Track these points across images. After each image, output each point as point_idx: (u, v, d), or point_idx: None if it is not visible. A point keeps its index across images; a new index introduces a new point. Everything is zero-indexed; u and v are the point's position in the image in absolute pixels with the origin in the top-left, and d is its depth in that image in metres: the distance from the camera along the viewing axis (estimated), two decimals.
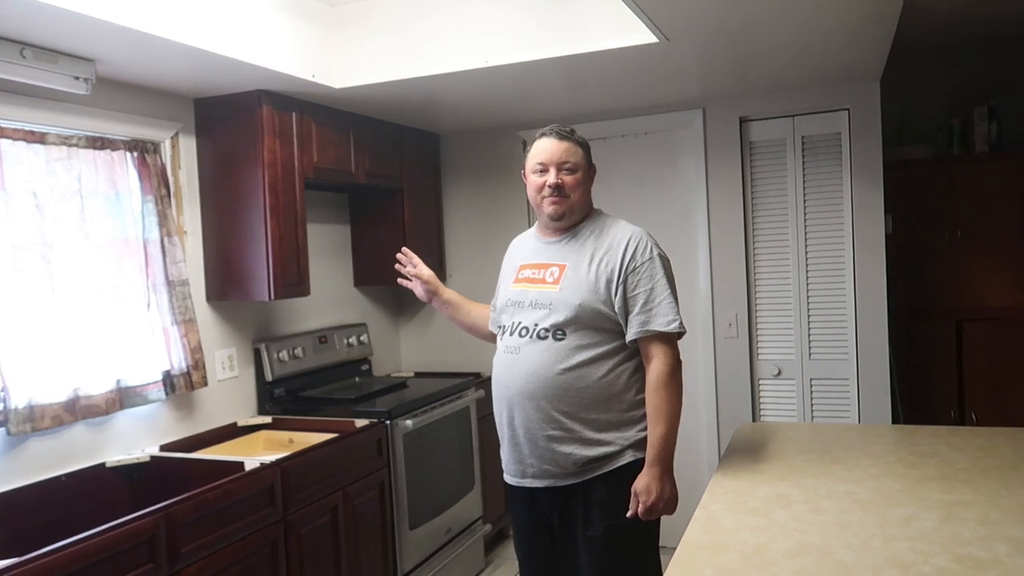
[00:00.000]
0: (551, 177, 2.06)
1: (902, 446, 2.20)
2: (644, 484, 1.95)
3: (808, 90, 3.53)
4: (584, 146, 2.12)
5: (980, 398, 3.76)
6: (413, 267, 2.38)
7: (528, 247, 2.22)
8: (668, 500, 1.97)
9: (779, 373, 3.67)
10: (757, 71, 3.19)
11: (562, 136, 2.08)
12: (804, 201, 3.59)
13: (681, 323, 2.01)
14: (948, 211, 3.77)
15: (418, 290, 2.39)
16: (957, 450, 2.09)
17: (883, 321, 3.47)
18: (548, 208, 2.08)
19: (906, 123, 3.94)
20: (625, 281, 2.00)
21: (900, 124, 3.92)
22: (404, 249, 2.41)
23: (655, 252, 2.05)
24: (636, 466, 2.00)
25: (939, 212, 3.78)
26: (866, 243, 3.48)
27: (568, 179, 2.06)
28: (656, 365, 1.99)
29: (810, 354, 3.61)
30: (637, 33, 2.56)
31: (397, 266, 2.40)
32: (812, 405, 3.63)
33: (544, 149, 2.08)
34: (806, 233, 3.60)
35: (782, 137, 3.62)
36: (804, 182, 3.59)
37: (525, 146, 4.03)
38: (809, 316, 3.61)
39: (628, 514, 1.96)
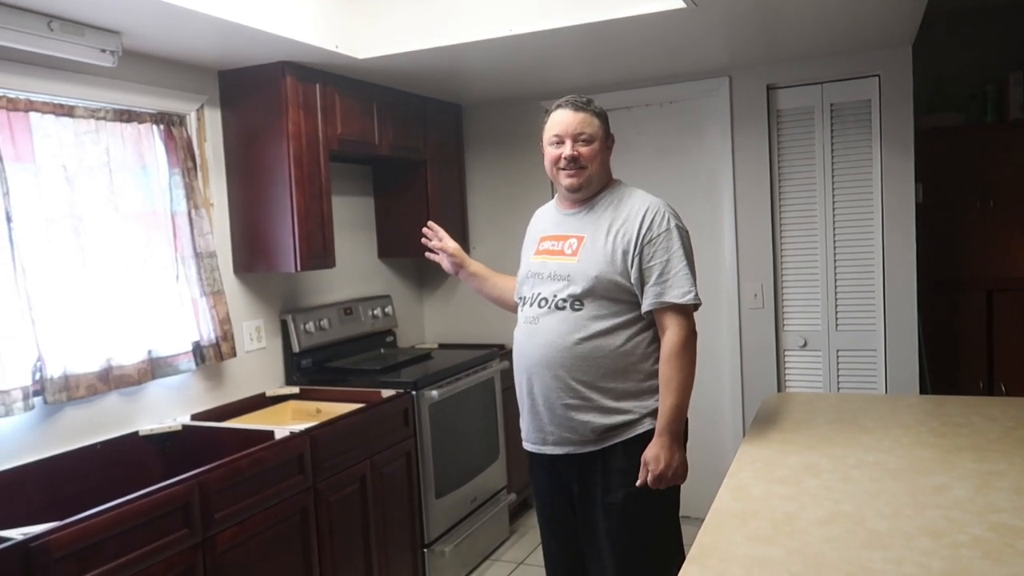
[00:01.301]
0: (567, 149, 2.05)
1: (932, 416, 2.18)
2: (653, 453, 1.96)
3: (837, 56, 3.45)
4: (601, 116, 2.10)
5: (1009, 369, 3.71)
6: (439, 240, 2.39)
7: (549, 218, 2.23)
8: (676, 469, 1.97)
9: (805, 344, 3.64)
10: (785, 37, 3.12)
11: (578, 107, 2.07)
12: (832, 170, 3.54)
13: (696, 295, 2.00)
14: (980, 180, 3.70)
15: (444, 263, 2.41)
16: (989, 420, 2.07)
17: (912, 291, 3.43)
18: (565, 180, 2.08)
19: (939, 90, 3.86)
20: (641, 252, 1.99)
21: (932, 91, 3.84)
22: (429, 223, 2.42)
23: (672, 223, 2.03)
24: (653, 434, 2.00)
25: (971, 181, 3.71)
26: (895, 212, 3.43)
27: (584, 150, 2.05)
28: (669, 336, 1.99)
29: (836, 325, 3.58)
30: None
31: (423, 240, 2.41)
32: (838, 376, 3.60)
33: (559, 121, 2.07)
34: (834, 202, 3.55)
35: (810, 105, 3.56)
36: (832, 150, 3.53)
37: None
38: (836, 287, 3.57)
39: (637, 482, 1.97)
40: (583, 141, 2.05)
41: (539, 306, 2.08)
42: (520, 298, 2.20)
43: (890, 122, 3.41)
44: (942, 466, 1.74)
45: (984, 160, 3.69)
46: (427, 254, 2.44)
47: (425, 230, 2.41)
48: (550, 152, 2.10)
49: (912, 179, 3.40)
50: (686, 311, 2.01)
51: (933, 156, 3.65)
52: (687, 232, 2.07)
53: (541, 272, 2.11)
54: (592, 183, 2.08)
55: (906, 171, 3.40)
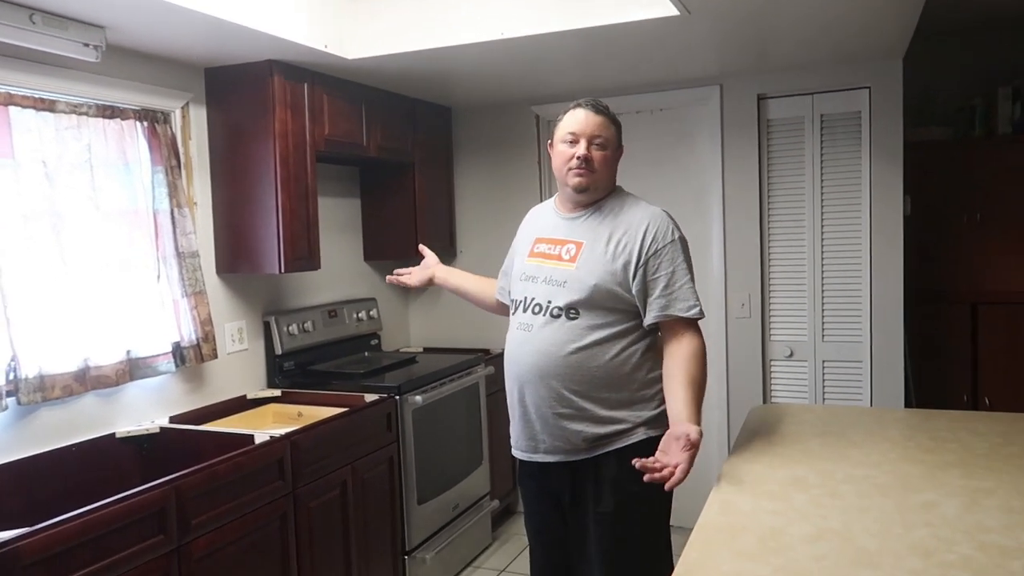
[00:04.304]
0: (580, 148, 1.99)
1: (920, 431, 2.17)
2: (697, 434, 1.79)
3: (828, 67, 3.46)
4: (617, 124, 2.07)
5: (994, 383, 3.72)
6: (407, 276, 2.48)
7: (546, 220, 2.17)
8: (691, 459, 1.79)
9: (791, 354, 3.64)
10: (777, 47, 3.12)
11: (598, 110, 2.03)
12: (821, 181, 3.54)
13: (701, 309, 1.99)
14: (967, 193, 3.71)
15: (413, 279, 2.46)
16: (977, 435, 2.06)
17: (898, 303, 3.44)
18: (572, 179, 2.02)
19: (928, 103, 3.87)
20: (646, 264, 1.96)
21: (921, 104, 3.85)
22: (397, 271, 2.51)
23: (676, 235, 2.01)
24: (649, 443, 1.97)
25: (958, 194, 3.72)
26: (883, 225, 3.43)
27: (597, 154, 2.01)
28: (689, 340, 1.96)
29: (823, 336, 3.58)
30: (657, 6, 2.50)
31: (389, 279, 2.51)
32: (824, 387, 3.60)
33: (577, 120, 2.02)
34: (822, 213, 3.55)
35: (800, 115, 3.56)
36: (822, 161, 3.54)
37: (538, 121, 3.98)
38: (823, 297, 3.57)
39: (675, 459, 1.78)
40: (598, 145, 2.01)
41: (534, 312, 2.04)
42: (512, 300, 2.16)
43: (880, 134, 3.41)
44: (930, 482, 1.72)
45: (972, 174, 3.70)
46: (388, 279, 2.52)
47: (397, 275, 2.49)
48: (562, 150, 2.03)
49: (900, 192, 3.41)
50: (693, 323, 1.99)
51: (921, 169, 3.65)
52: (687, 242, 2.05)
53: (536, 275, 2.07)
54: (598, 188, 2.05)
55: (895, 183, 3.41)
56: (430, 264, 2.46)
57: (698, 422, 1.88)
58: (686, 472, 1.76)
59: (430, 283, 2.45)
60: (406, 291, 4.31)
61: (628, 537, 1.99)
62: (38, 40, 2.22)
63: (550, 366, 1.98)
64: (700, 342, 1.98)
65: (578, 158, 2.00)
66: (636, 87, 3.75)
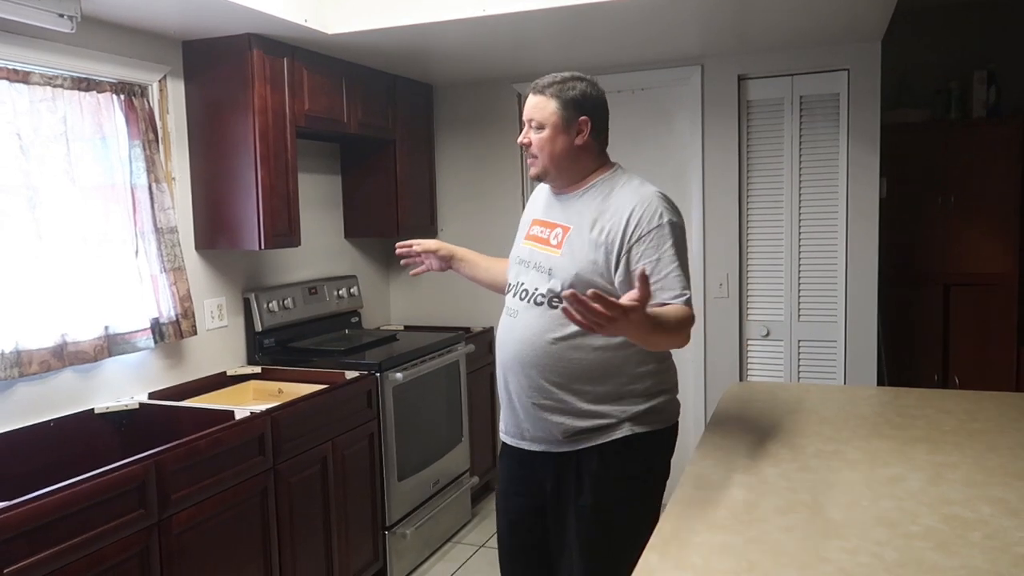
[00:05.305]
0: (521, 135, 1.97)
1: (890, 408, 2.22)
2: (629, 304, 1.51)
3: (808, 49, 3.48)
4: (564, 99, 1.90)
5: (963, 362, 3.81)
6: (418, 248, 2.26)
7: (542, 200, 2.11)
8: (613, 326, 1.51)
9: (768, 334, 3.69)
10: (757, 27, 3.13)
11: (536, 90, 1.93)
12: (800, 162, 3.57)
13: (689, 298, 1.84)
14: (942, 176, 3.76)
15: (434, 263, 2.28)
16: (944, 413, 2.11)
17: (873, 284, 3.49)
18: (529, 171, 2.01)
19: (905, 85, 3.91)
20: (628, 252, 1.84)
21: (899, 86, 3.89)
22: (399, 243, 2.29)
23: (665, 218, 1.86)
24: (633, 440, 1.92)
25: (933, 176, 3.77)
26: (860, 206, 3.48)
27: (535, 138, 1.93)
28: (678, 305, 1.80)
29: (799, 316, 3.63)
30: None
31: (402, 262, 2.30)
32: (799, 366, 3.66)
33: (524, 106, 1.99)
34: (800, 194, 3.58)
35: (780, 96, 3.58)
36: (800, 143, 3.56)
37: (520, 99, 3.98)
38: (800, 278, 3.62)
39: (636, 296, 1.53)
40: (535, 127, 1.94)
41: (520, 298, 1.99)
42: (508, 284, 2.09)
43: (858, 116, 3.44)
44: (898, 457, 1.77)
45: (946, 156, 3.75)
46: (412, 272, 2.31)
47: (399, 251, 2.28)
48: None
49: (877, 174, 3.45)
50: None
51: (897, 151, 3.70)
52: (680, 226, 1.90)
53: (528, 261, 2.02)
54: (552, 172, 1.96)
55: (871, 165, 3.45)
56: (441, 248, 2.27)
57: (647, 318, 1.57)
58: (599, 323, 1.47)
59: (448, 268, 2.31)
60: (386, 268, 4.31)
61: (609, 529, 1.95)
62: (10, 9, 2.17)
63: (530, 355, 1.93)
64: (689, 310, 1.82)
65: (521, 145, 1.97)
66: (618, 66, 3.75)
